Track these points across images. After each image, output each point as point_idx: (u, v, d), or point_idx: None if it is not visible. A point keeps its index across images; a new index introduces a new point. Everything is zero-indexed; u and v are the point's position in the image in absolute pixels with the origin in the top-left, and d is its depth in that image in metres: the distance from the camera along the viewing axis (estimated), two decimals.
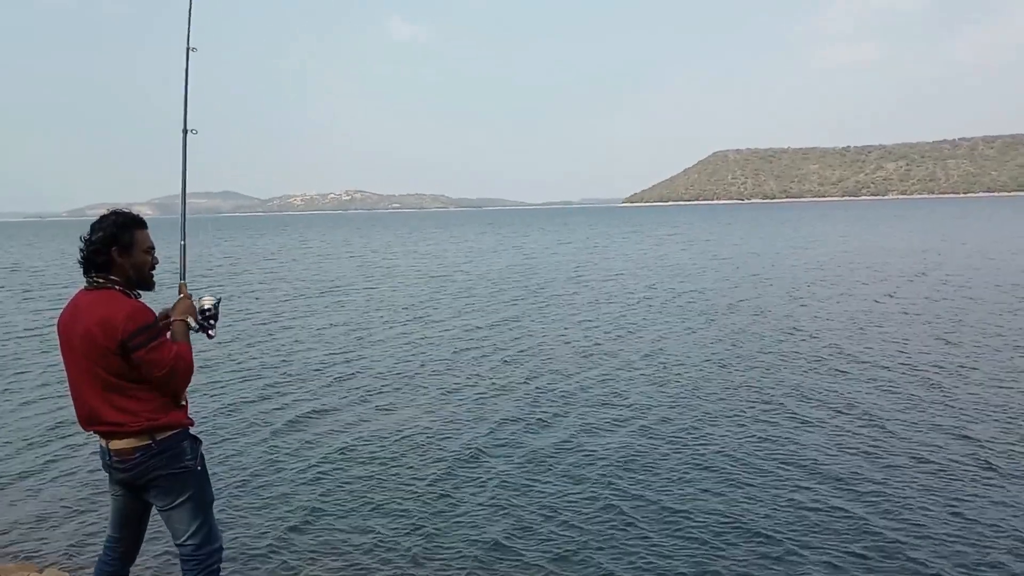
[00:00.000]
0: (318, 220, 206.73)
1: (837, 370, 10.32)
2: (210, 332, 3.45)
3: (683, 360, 11.26)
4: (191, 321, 3.34)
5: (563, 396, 9.30)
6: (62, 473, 6.93)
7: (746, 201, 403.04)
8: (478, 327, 14.81)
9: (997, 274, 21.28)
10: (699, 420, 8.14)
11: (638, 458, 6.99)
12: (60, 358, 3.09)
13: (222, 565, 3.37)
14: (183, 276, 3.58)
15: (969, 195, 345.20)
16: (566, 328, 14.52)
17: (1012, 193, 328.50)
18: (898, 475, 6.41)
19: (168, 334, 3.23)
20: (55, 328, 3.21)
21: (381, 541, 5.38)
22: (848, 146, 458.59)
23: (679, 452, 7.13)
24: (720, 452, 7.09)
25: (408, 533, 5.49)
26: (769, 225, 67.53)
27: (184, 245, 3.69)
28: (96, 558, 3.58)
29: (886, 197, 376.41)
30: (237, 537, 5.43)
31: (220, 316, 3.50)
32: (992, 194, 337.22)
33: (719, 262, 29.39)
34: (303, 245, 53.99)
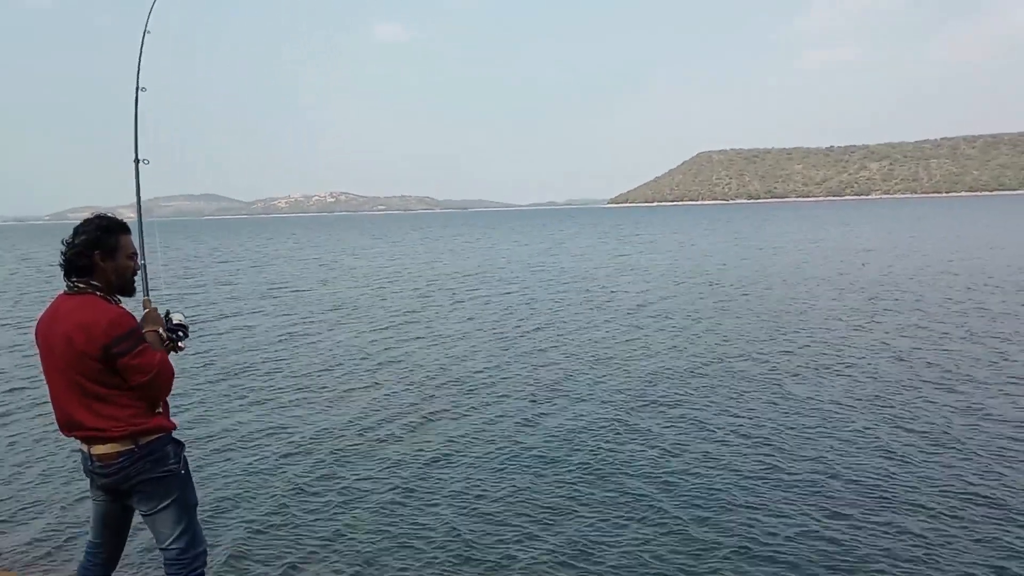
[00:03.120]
0: (300, 223, 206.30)
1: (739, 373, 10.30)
2: (180, 344, 3.44)
3: (599, 359, 11.26)
4: (161, 332, 3.33)
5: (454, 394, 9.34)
6: (41, 478, 6.83)
7: (731, 201, 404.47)
8: (412, 327, 14.81)
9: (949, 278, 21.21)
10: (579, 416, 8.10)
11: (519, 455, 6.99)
12: (36, 360, 3.27)
13: (206, 569, 3.34)
14: (146, 292, 3.63)
15: (951, 194, 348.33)
16: (489, 327, 14.50)
17: (993, 192, 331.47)
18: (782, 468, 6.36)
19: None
20: (33, 332, 3.17)
21: (366, 540, 5.31)
22: (832, 146, 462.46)
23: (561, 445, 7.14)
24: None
25: (390, 534, 5.44)
26: (748, 225, 67.81)
27: (144, 264, 3.76)
28: (77, 564, 3.54)
29: (869, 197, 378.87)
30: (221, 540, 5.37)
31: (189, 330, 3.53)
32: (974, 193, 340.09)
33: (672, 261, 29.43)
34: (263, 248, 53.59)
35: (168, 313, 3.47)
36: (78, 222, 3.18)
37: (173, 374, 3.15)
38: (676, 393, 9.15)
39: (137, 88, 4.21)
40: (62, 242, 3.11)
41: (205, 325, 15.56)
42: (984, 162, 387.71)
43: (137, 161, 4.06)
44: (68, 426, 3.10)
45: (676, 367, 10.58)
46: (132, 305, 3.25)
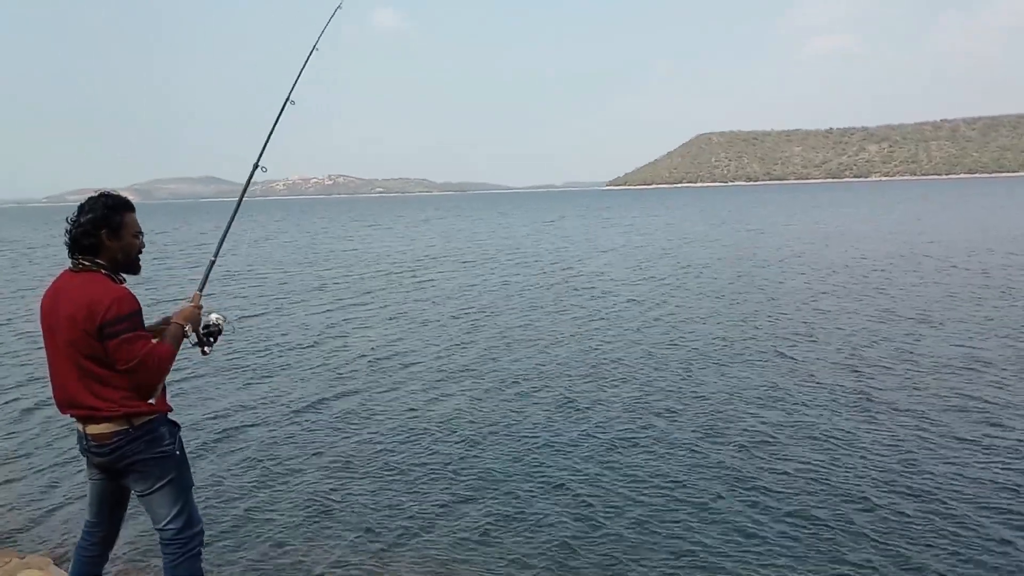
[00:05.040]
0: (295, 205, 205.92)
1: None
2: (205, 348, 3.44)
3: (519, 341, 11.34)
4: (188, 330, 3.28)
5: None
6: (40, 457, 6.87)
7: (730, 183, 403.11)
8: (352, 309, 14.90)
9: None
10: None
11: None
12: (34, 339, 3.23)
13: (203, 548, 3.34)
14: (201, 287, 3.55)
15: (951, 176, 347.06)
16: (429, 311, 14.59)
17: (993, 174, 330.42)
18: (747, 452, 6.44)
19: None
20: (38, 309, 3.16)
21: (362, 526, 5.37)
22: (831, 128, 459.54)
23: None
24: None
25: (384, 521, 5.49)
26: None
27: (214, 262, 3.71)
28: (75, 543, 3.53)
29: (868, 179, 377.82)
30: (218, 519, 5.42)
31: (223, 334, 3.51)
32: (973, 175, 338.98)
33: (646, 244, 29.58)
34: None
35: (208, 314, 3.44)
36: (75, 204, 3.15)
37: (163, 368, 3.06)
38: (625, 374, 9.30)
39: (287, 100, 4.30)
40: (67, 220, 3.11)
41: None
42: (984, 144, 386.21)
43: (256, 166, 4.13)
44: (65, 404, 3.11)
45: (634, 347, 10.75)
46: (141, 288, 3.20)
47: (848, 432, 6.97)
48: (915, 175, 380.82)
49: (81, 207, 3.10)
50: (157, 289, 18.60)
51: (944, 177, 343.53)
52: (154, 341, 3.09)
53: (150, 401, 3.09)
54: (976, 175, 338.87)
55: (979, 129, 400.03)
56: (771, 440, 6.83)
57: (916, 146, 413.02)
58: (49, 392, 3.17)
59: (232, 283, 20.37)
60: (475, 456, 6.67)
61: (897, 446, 6.58)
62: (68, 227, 3.08)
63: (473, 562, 4.83)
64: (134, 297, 3.05)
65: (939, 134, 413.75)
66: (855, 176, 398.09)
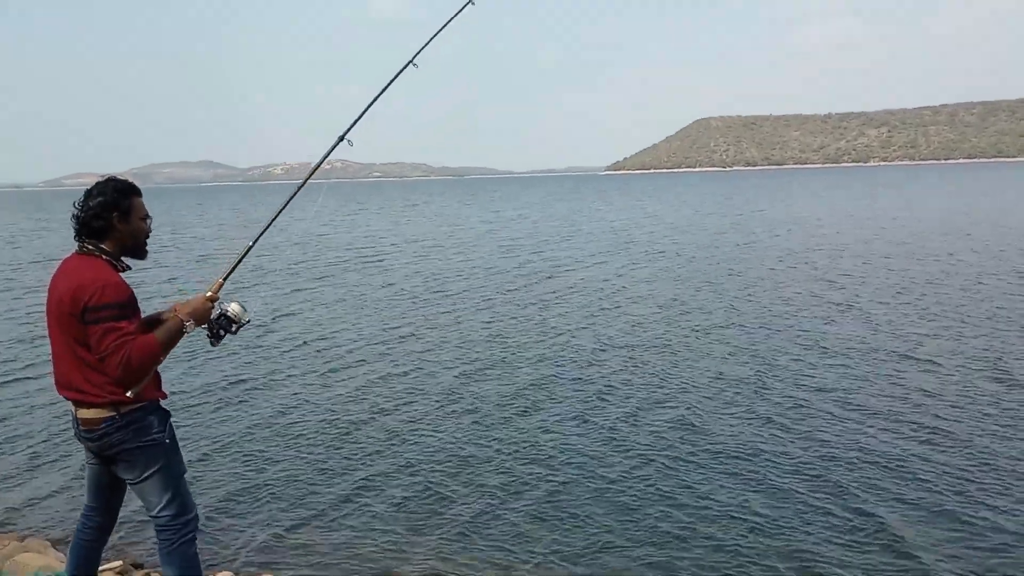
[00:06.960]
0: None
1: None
2: (214, 341, 3.29)
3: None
4: (190, 327, 3.09)
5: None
6: (39, 439, 6.90)
7: (728, 169, 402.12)
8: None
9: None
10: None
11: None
12: (26, 321, 3.14)
13: (198, 533, 3.34)
14: (227, 275, 3.32)
15: (949, 161, 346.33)
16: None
17: (992, 159, 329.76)
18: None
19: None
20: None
21: (357, 510, 5.45)
22: (830, 113, 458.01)
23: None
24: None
25: (377, 509, 5.58)
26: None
27: (251, 247, 3.43)
28: (75, 527, 3.54)
29: (867, 164, 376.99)
30: (213, 505, 5.48)
31: (243, 325, 3.28)
32: (972, 160, 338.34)
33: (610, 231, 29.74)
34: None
35: (227, 304, 3.24)
36: (73, 188, 3.20)
37: (131, 366, 2.89)
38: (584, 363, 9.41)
39: (410, 62, 4.30)
40: (74, 204, 3.12)
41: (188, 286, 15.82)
42: (982, 129, 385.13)
43: (342, 138, 3.93)
44: (61, 385, 3.12)
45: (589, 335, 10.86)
46: (162, 276, 3.07)
47: (802, 418, 7.10)
48: (914, 160, 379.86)
49: (89, 191, 3.10)
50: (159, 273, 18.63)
51: (943, 162, 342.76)
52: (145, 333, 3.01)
53: (128, 394, 2.97)
54: (974, 160, 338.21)
55: (978, 114, 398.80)
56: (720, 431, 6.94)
57: (915, 131, 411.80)
58: (48, 373, 3.09)
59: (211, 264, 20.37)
60: (455, 447, 6.75)
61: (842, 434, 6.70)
62: (76, 211, 3.09)
63: (453, 554, 4.91)
64: (126, 285, 3.01)
65: (938, 119, 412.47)
66: (854, 161, 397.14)
